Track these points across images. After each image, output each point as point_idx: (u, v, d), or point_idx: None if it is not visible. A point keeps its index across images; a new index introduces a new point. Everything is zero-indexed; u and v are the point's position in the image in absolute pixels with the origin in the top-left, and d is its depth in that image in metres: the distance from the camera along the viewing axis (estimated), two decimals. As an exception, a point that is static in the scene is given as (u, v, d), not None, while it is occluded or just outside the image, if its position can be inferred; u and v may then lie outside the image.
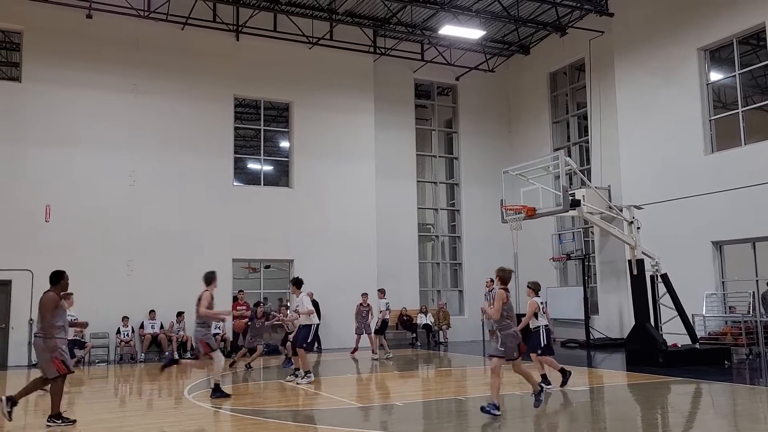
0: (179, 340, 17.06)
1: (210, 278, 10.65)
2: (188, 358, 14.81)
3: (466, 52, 21.89)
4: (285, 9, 18.80)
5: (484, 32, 19.43)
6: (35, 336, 8.44)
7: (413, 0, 18.09)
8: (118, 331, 16.70)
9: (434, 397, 10.95)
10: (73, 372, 8.83)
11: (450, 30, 18.44)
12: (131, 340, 16.78)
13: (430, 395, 11.18)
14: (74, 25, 17.35)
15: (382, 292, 17.36)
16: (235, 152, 19.34)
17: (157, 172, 17.86)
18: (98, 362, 16.23)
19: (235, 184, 19.23)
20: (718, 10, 15.78)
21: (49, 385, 8.24)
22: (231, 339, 17.55)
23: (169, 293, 17.08)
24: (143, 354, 16.83)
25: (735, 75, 15.84)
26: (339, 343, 18.45)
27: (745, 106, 15.72)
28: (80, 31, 17.42)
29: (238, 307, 17.38)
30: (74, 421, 8.21)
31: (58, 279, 8.43)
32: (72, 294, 11.59)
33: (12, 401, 8.05)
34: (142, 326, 17.08)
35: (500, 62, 22.95)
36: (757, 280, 15.42)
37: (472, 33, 18.91)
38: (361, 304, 16.79)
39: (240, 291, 17.87)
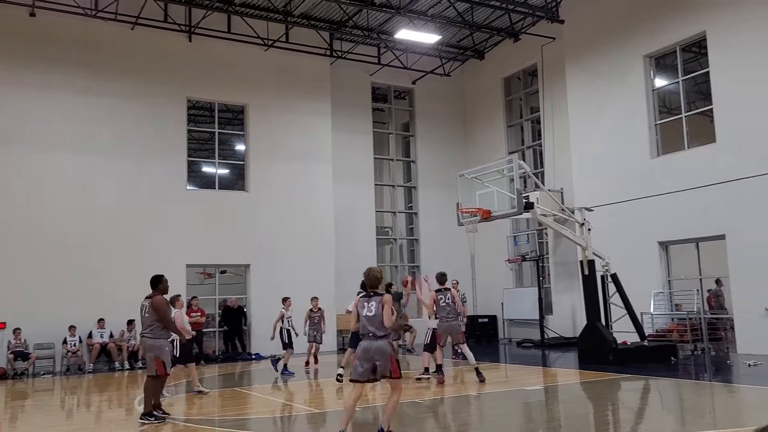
0: (130, 349, 16.67)
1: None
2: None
3: (423, 57, 22.10)
4: (239, 10, 18.65)
5: (440, 37, 19.66)
6: (143, 336, 8.99)
7: (369, 4, 18.18)
8: (65, 341, 16.12)
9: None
10: (169, 374, 9.32)
11: (406, 34, 18.60)
12: (78, 350, 16.23)
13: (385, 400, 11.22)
14: (18, 23, 16.86)
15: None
16: (189, 155, 19.07)
17: (107, 175, 17.47)
18: (43, 374, 15.65)
19: (188, 187, 18.94)
20: (662, 19, 16.34)
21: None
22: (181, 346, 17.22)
23: (120, 300, 16.71)
24: (92, 364, 16.25)
25: (678, 81, 16.42)
26: (298, 349, 18.18)
27: (688, 112, 16.31)
28: (25, 30, 16.92)
29: (192, 314, 17.10)
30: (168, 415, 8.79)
31: (157, 283, 8.93)
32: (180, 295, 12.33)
33: (147, 414, 8.60)
34: (90, 335, 16.55)
35: (456, 67, 23.24)
36: (701, 279, 16.01)
37: (428, 37, 19.11)
38: (311, 309, 15.03)
39: (194, 297, 17.58)
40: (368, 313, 6.80)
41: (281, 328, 14.26)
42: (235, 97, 19.71)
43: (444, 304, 11.69)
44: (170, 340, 9.63)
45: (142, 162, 17.93)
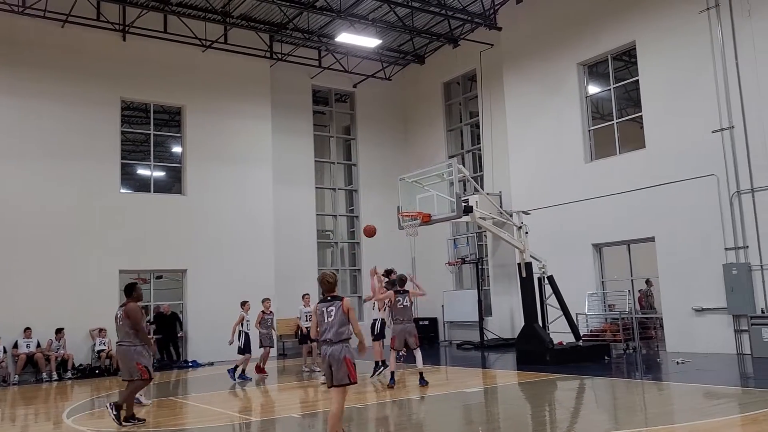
0: (58, 359, 16.00)
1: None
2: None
3: (364, 60, 22.13)
4: (176, 10, 18.23)
5: (381, 41, 19.74)
6: (119, 344, 9.17)
7: (310, 6, 18.08)
8: (-11, 351, 15.39)
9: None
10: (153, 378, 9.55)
11: (347, 38, 18.59)
12: (3, 360, 15.44)
13: (328, 405, 11.15)
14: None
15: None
16: (123, 158, 18.50)
17: (36, 178, 16.77)
18: (-35, 386, 14.91)
19: (122, 191, 18.37)
20: (595, 29, 16.88)
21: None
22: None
23: (48, 308, 16.13)
24: (17, 376, 15.49)
25: (610, 89, 17.00)
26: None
27: (619, 118, 16.90)
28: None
29: (126, 322, 16.61)
30: (144, 421, 9.02)
31: (131, 291, 9.26)
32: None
33: (118, 407, 8.81)
34: (15, 345, 15.81)
35: (397, 71, 23.37)
36: (632, 280, 16.60)
37: (369, 41, 19.15)
38: (263, 311, 14.60)
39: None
40: (328, 319, 6.80)
41: (240, 332, 14.20)
42: (172, 99, 19.25)
43: (401, 306, 11.60)
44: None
45: (73, 165, 17.29)
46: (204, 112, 19.41)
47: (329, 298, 6.92)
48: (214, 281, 18.55)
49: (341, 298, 6.89)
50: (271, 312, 14.80)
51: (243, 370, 13.96)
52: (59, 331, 16.13)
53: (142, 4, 17.55)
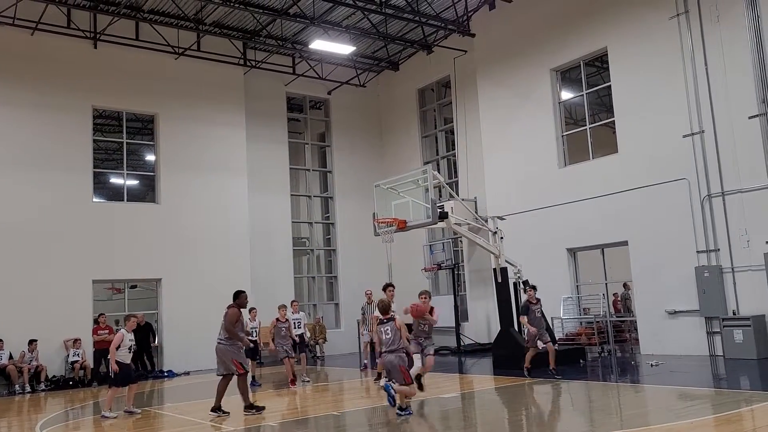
0: (31, 370, 15.68)
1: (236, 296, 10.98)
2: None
3: (338, 67, 22.12)
4: (148, 17, 18.06)
5: (355, 48, 19.74)
6: (217, 342, 10.30)
7: (283, 14, 18.04)
8: (-40, 364, 15.07)
9: (311, 414, 10.87)
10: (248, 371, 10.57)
11: (321, 45, 18.56)
12: (-25, 373, 15.20)
13: (306, 412, 11.08)
14: None
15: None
16: (96, 166, 18.24)
17: (6, 187, 16.47)
18: (-64, 399, 14.55)
19: (95, 200, 18.10)
20: (567, 35, 17.08)
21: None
22: (92, 366, 16.43)
23: (21, 319, 15.81)
24: (-11, 388, 15.28)
25: (583, 94, 17.20)
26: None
27: (592, 123, 17.10)
28: None
29: (100, 332, 16.42)
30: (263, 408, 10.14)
31: (235, 297, 10.51)
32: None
33: (250, 407, 10.00)
34: (-12, 357, 15.53)
35: (371, 77, 23.40)
36: (606, 283, 16.78)
37: (343, 48, 19.15)
38: (278, 319, 13.58)
39: (101, 314, 16.83)
40: (386, 336, 9.38)
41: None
42: (145, 106, 19.04)
43: (385, 337, 9.57)
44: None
45: (44, 174, 17.01)
46: (177, 119, 19.23)
47: (386, 320, 9.42)
48: (189, 290, 18.35)
49: (395, 319, 9.37)
50: (286, 320, 13.70)
51: (253, 377, 13.64)
52: (32, 343, 15.81)
53: (113, 12, 17.34)
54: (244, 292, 10.75)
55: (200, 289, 18.33)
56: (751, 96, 13.56)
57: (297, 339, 14.41)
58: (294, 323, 14.65)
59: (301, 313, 16.15)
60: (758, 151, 13.42)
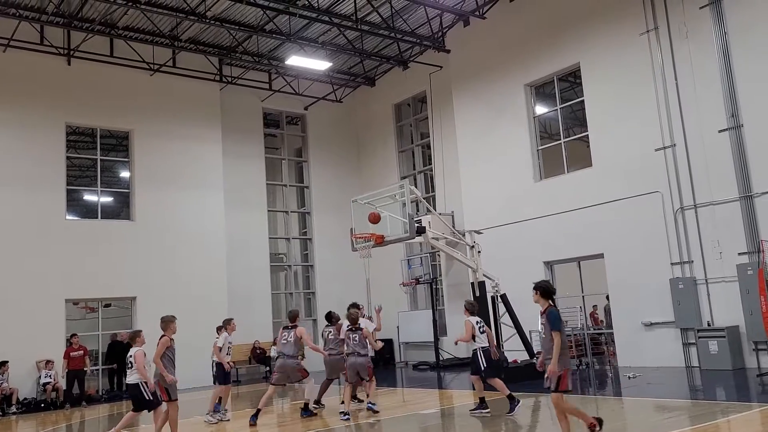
0: (3, 393, 15.29)
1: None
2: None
3: (314, 83, 22.15)
4: (122, 34, 17.94)
5: (331, 64, 19.79)
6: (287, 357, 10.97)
7: (259, 30, 18.04)
8: (-74, 387, 14.63)
9: (288, 432, 10.74)
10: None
11: (297, 61, 18.57)
12: (-57, 397, 14.77)
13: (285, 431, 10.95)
14: None
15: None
16: (69, 183, 18.00)
17: (-25, 207, 16.17)
18: None
19: (68, 217, 17.83)
20: (540, 51, 17.31)
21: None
22: (65, 388, 16.07)
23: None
24: (-42, 412, 14.84)
25: (557, 109, 17.42)
26: (195, 382, 17.24)
27: (566, 137, 17.31)
28: None
29: (72, 353, 16.06)
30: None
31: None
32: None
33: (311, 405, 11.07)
34: (-43, 380, 15.12)
35: (347, 93, 23.46)
36: (583, 296, 16.88)
37: (319, 64, 19.18)
38: (350, 328, 11.17)
39: (74, 335, 16.47)
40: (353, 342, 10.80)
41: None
42: (119, 123, 18.85)
43: (353, 343, 10.95)
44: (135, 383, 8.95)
45: (16, 191, 16.74)
46: (153, 136, 19.06)
47: (354, 328, 10.88)
48: (165, 308, 17.74)
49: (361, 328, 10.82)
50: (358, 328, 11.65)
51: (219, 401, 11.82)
52: (3, 365, 15.45)
53: (87, 29, 17.20)
54: (173, 319, 9.21)
55: (176, 307, 17.83)
56: (720, 110, 13.83)
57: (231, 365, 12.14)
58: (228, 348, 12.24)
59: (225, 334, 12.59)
60: (728, 164, 13.68)
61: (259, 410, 10.70)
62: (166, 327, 9.17)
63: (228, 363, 11.83)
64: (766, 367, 12.66)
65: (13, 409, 15.29)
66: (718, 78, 13.85)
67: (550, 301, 7.37)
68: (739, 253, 13.41)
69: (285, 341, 11.14)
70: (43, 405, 15.62)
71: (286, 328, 11.33)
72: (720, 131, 13.82)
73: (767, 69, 13.25)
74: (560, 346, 7.05)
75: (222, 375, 11.78)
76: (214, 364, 12.04)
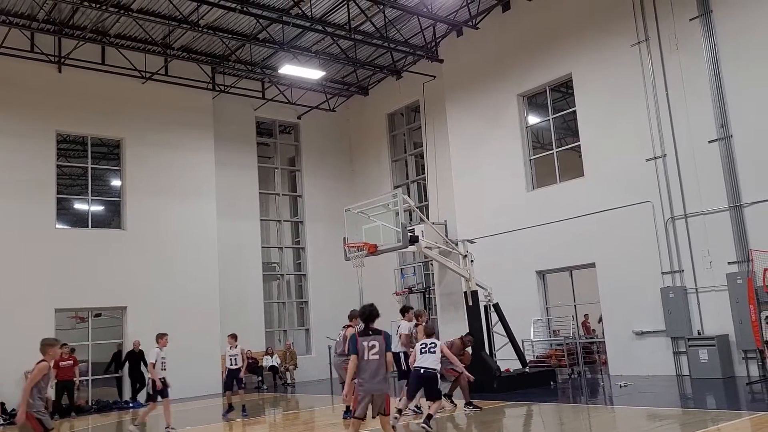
0: (-6, 404, 15.14)
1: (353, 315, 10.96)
2: None
3: (308, 92, 22.17)
4: (114, 41, 17.92)
5: (324, 73, 19.81)
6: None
7: (252, 38, 18.07)
8: None
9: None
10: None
11: (290, 69, 18.59)
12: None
13: None
14: None
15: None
16: (60, 192, 17.90)
17: (-36, 215, 16.05)
18: None
19: (58, 226, 17.73)
20: (533, 61, 17.42)
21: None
22: (53, 398, 15.90)
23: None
24: (-55, 424, 14.66)
25: (549, 119, 17.50)
26: (189, 392, 17.17)
27: (558, 147, 17.39)
28: None
29: (62, 363, 15.89)
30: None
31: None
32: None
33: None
34: (-55, 391, 14.95)
35: (341, 102, 23.49)
36: (575, 305, 16.92)
37: (312, 73, 19.21)
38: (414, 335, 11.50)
39: (63, 344, 16.27)
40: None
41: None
42: (110, 131, 18.79)
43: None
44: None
45: (6, 200, 16.64)
46: (144, 144, 19.01)
47: (371, 332, 7.25)
48: (156, 318, 17.88)
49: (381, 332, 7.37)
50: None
51: (243, 406, 12.55)
52: (-8, 375, 15.29)
53: (78, 36, 17.18)
54: (54, 343, 7.96)
55: (167, 317, 17.91)
56: (710, 121, 13.95)
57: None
58: (231, 359, 13.50)
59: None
60: (718, 174, 13.78)
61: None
62: (45, 351, 7.72)
63: (159, 379, 11.53)
64: (756, 376, 12.71)
65: (1, 420, 15.12)
66: (708, 89, 13.97)
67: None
68: (729, 263, 13.49)
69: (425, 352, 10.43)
70: (31, 415, 15.41)
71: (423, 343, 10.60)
72: (710, 142, 13.93)
73: (756, 80, 13.39)
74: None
75: (155, 391, 11.56)
76: (149, 380, 11.93)
